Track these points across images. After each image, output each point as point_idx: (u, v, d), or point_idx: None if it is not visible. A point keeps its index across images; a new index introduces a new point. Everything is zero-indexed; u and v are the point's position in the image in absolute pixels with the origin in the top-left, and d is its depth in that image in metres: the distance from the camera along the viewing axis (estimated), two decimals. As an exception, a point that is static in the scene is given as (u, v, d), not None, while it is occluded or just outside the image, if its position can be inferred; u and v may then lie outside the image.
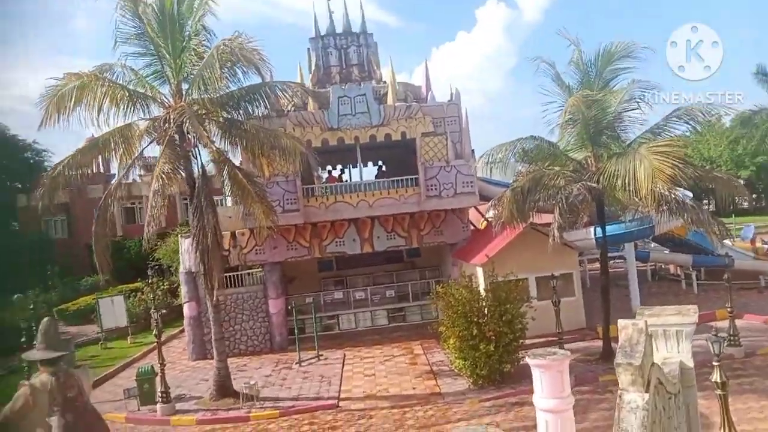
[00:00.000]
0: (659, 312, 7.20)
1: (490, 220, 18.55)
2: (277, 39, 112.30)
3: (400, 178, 19.44)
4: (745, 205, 56.88)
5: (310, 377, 16.06)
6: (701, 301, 20.31)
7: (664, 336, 6.88)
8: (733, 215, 37.09)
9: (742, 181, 55.55)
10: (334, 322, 21.14)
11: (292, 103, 20.56)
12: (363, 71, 22.72)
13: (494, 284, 14.53)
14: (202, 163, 15.08)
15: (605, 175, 13.54)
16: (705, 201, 55.36)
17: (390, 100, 19.66)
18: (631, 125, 14.99)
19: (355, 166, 23.86)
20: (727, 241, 25.20)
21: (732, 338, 13.99)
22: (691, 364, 6.80)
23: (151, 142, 15.15)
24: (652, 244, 23.32)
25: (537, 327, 15.10)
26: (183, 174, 15.03)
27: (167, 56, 14.49)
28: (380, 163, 25.23)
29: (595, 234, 18.22)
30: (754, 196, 58.40)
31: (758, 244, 27.25)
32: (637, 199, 13.00)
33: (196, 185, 14.67)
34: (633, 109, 14.88)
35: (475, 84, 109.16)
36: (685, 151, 13.02)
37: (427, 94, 20.42)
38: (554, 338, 16.51)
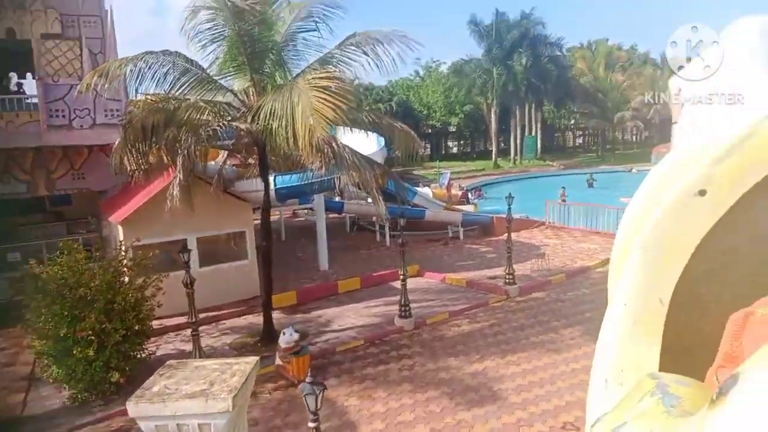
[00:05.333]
0: (186, 378, 3.87)
1: None
2: None
3: (1, 96, 13.43)
4: (455, 150, 62.42)
5: None
6: (392, 254, 19.28)
7: (181, 432, 3.61)
8: (438, 161, 38.92)
9: (453, 128, 60.47)
10: None
11: None
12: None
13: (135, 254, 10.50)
14: None
15: (264, 114, 10.12)
16: (425, 144, 58.90)
17: (-16, -23, 13.20)
18: (306, 51, 11.83)
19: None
20: (425, 189, 25.21)
21: (403, 309, 12.38)
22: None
23: None
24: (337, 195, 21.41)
25: (196, 300, 11.52)
26: None
27: None
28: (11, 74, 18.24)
29: (275, 184, 15.25)
30: (461, 142, 64.24)
31: (454, 191, 28.18)
32: (300, 148, 9.86)
33: None
34: (311, 30, 11.71)
35: None
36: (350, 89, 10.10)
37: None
38: (216, 312, 13.57)
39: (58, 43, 13.76)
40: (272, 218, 18.85)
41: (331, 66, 10.97)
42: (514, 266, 14.88)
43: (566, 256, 18.29)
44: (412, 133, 11.86)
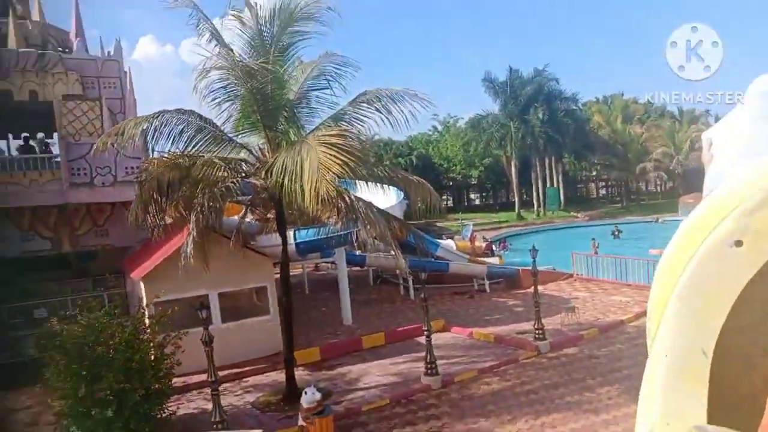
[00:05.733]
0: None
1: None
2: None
3: (25, 156, 13.66)
4: (477, 201, 62.17)
5: None
6: (417, 308, 18.72)
7: None
8: (460, 213, 38.59)
9: (474, 180, 60.41)
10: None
11: None
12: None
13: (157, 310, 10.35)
14: None
15: (276, 170, 10.09)
16: (446, 196, 58.85)
17: (12, 42, 13.67)
18: (319, 108, 11.93)
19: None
20: (449, 241, 24.78)
21: (429, 366, 11.80)
22: None
23: None
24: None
25: (217, 357, 11.15)
26: None
27: None
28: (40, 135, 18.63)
29: (295, 239, 15.07)
30: (483, 194, 64.08)
31: (477, 243, 27.70)
32: (305, 202, 9.69)
33: None
34: (323, 88, 11.84)
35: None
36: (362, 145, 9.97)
37: (75, 42, 14.83)
38: (239, 369, 13.15)
39: (79, 103, 14.12)
40: (295, 272, 18.68)
41: (344, 123, 10.99)
42: (544, 320, 14.22)
43: (597, 310, 17.50)
44: (428, 185, 11.66)
